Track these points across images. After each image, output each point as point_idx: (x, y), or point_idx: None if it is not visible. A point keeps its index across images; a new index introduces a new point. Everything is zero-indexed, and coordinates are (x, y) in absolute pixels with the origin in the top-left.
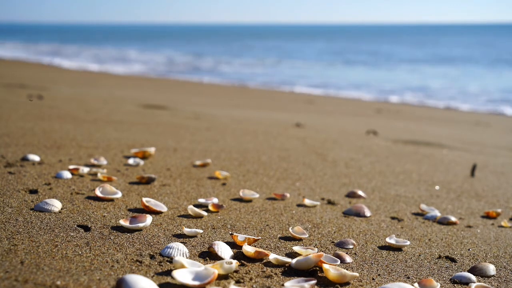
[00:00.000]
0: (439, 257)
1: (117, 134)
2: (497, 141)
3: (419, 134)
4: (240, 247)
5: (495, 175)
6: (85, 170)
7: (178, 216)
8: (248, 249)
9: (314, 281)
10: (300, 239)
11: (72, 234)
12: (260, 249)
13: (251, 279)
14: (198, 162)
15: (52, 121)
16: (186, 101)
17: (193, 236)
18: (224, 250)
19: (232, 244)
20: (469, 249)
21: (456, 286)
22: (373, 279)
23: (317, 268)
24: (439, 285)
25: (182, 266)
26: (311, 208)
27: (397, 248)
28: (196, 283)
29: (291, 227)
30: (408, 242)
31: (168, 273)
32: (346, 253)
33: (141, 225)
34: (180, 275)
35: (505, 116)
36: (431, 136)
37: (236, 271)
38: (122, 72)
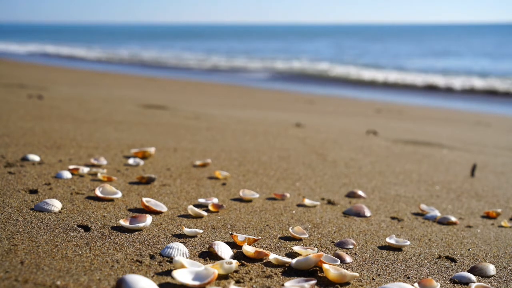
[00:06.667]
0: (439, 257)
1: (117, 134)
2: (497, 141)
3: (419, 134)
4: (240, 247)
5: (495, 175)
6: (85, 170)
7: (178, 216)
8: (248, 249)
9: (314, 281)
10: (300, 239)
11: (72, 234)
12: (260, 249)
13: (251, 279)
14: (198, 162)
15: (52, 121)
16: (186, 101)
17: (193, 236)
18: (224, 250)
19: (232, 244)
20: (469, 249)
21: (456, 286)
22: (373, 279)
23: (317, 268)
24: (439, 285)
25: (182, 266)
26: (311, 208)
27: (397, 248)
28: (196, 283)
29: (291, 227)
30: (408, 242)
31: (168, 273)
32: (346, 253)
33: (141, 225)
34: (180, 275)
35: (505, 116)
36: (431, 136)
37: (236, 271)
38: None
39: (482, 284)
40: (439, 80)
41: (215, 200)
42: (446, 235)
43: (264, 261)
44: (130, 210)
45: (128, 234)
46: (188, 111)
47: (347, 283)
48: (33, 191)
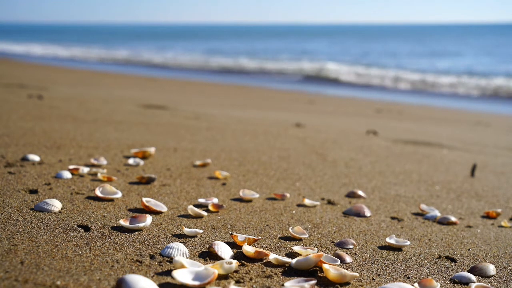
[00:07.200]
0: (439, 257)
1: (117, 134)
2: (497, 141)
3: (419, 134)
4: (240, 247)
5: (495, 175)
6: (85, 170)
7: (178, 216)
8: (248, 249)
9: (314, 281)
10: (300, 239)
11: (72, 234)
12: (260, 249)
13: (251, 279)
14: (198, 162)
15: (52, 121)
16: (186, 101)
17: (193, 236)
18: (224, 250)
19: (232, 244)
20: (469, 249)
21: (456, 286)
22: (373, 279)
23: (317, 268)
24: (439, 285)
25: (182, 266)
26: (311, 208)
27: (397, 248)
28: (196, 283)
29: (291, 227)
30: (408, 242)
31: (168, 273)
32: (346, 253)
33: (141, 225)
34: (180, 275)
35: (505, 116)
36: (431, 136)
37: (236, 271)
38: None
39: (482, 284)
40: (439, 80)
41: (215, 200)
42: (446, 235)
43: (264, 261)
44: (130, 210)
45: (128, 234)
46: (188, 111)
47: (347, 283)
48: (33, 191)
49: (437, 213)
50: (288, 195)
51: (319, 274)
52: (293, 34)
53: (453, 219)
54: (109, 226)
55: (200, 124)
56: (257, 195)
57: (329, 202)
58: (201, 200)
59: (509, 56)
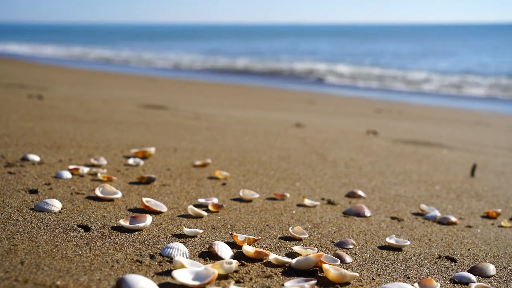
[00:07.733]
0: (439, 257)
1: (117, 134)
2: (497, 141)
3: (419, 134)
4: (240, 247)
5: (495, 175)
6: (85, 170)
7: (178, 216)
8: (248, 249)
9: (314, 281)
10: (300, 239)
11: (72, 234)
12: (260, 249)
13: (251, 279)
14: (198, 162)
15: (52, 121)
16: (186, 101)
17: (193, 236)
18: (224, 250)
19: (232, 244)
20: (469, 249)
21: (456, 286)
22: (373, 279)
23: (317, 268)
24: (439, 285)
25: (182, 266)
26: (311, 208)
27: (397, 248)
28: (196, 283)
29: (291, 227)
30: (408, 242)
31: (168, 273)
32: (346, 253)
33: (141, 225)
34: (180, 275)
35: (505, 116)
36: (431, 136)
37: (236, 271)
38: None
39: (482, 284)
40: (439, 80)
41: (215, 200)
42: (446, 235)
43: (264, 261)
44: (130, 210)
45: (128, 234)
46: (188, 111)
47: (347, 283)
48: (33, 191)
49: (437, 213)
50: (288, 195)
51: (319, 274)
52: (293, 34)
53: (453, 219)
54: (109, 226)
55: (200, 124)
56: (257, 195)
57: (329, 202)
58: (201, 200)
59: (509, 56)
